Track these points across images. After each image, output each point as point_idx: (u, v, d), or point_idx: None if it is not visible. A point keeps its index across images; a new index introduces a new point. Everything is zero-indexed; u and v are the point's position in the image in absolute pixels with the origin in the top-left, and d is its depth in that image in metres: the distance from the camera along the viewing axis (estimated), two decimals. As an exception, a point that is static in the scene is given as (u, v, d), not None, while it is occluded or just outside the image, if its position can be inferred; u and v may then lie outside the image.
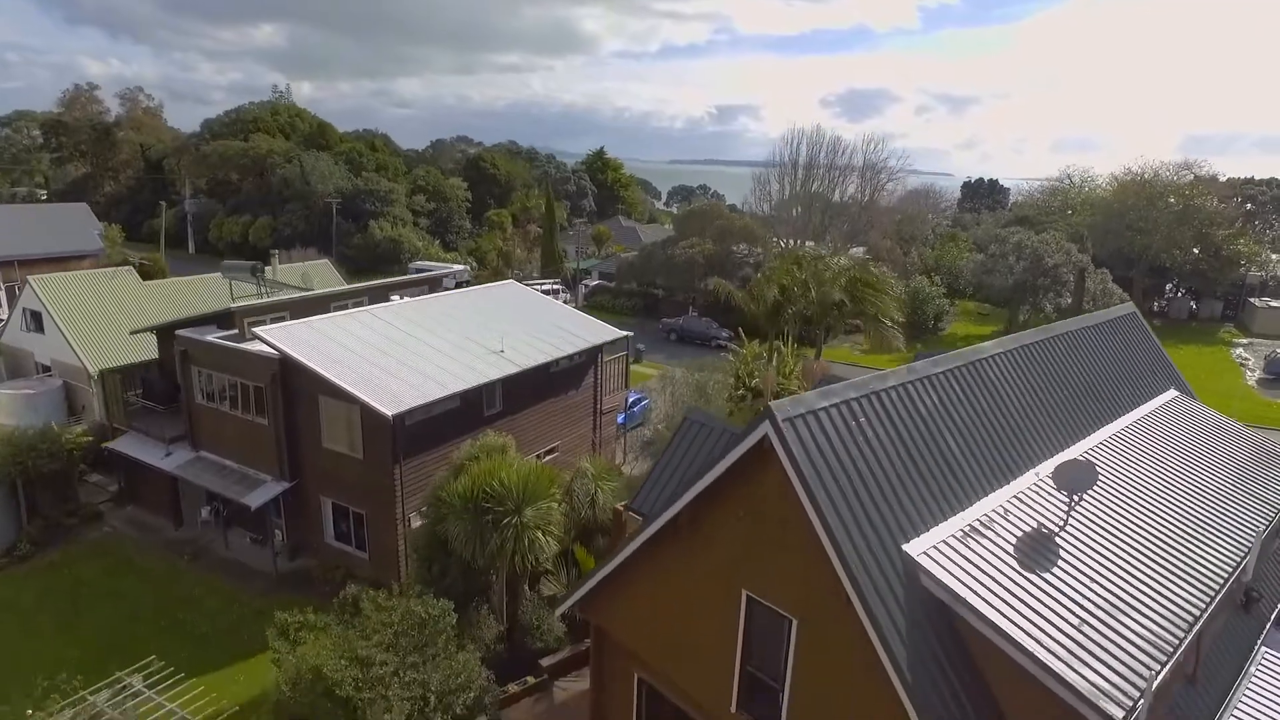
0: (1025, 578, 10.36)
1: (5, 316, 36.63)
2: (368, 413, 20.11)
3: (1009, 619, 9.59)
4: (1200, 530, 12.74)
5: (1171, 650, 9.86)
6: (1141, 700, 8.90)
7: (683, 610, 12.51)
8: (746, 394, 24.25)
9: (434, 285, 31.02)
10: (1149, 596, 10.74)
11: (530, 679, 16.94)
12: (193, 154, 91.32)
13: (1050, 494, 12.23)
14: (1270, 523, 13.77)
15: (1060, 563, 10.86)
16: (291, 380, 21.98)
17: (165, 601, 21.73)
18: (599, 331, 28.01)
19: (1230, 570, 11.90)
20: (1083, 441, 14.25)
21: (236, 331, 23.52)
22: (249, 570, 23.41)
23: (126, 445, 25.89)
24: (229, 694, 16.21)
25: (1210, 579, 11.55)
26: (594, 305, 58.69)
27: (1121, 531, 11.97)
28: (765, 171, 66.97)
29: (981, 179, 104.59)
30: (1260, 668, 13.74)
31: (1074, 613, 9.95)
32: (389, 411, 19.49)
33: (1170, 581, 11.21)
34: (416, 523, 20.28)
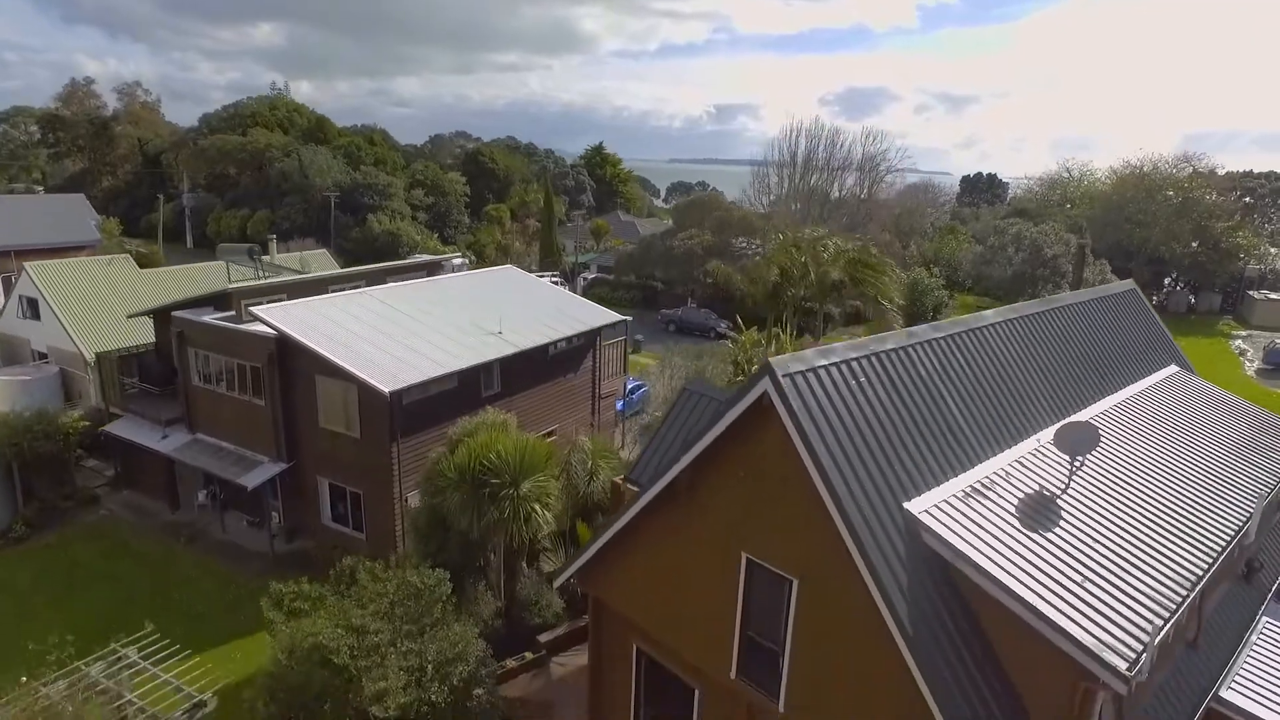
0: (1028, 536, 10.28)
1: (1, 304, 36.47)
2: (365, 391, 20.01)
3: (1011, 575, 9.50)
4: (1203, 496, 12.67)
5: (1175, 607, 9.78)
6: (1145, 655, 8.82)
7: (682, 577, 12.41)
8: (745, 380, 24.10)
9: (432, 271, 30.91)
10: (1152, 556, 10.67)
11: (528, 654, 16.84)
12: (191, 148, 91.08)
13: (1052, 458, 12.15)
14: (1272, 490, 13.70)
15: (1062, 523, 10.78)
16: (288, 360, 21.88)
17: (161, 583, 21.63)
18: (597, 315, 27.93)
19: (1233, 533, 11.83)
20: (1084, 411, 14.17)
21: (233, 313, 23.41)
22: (246, 552, 23.31)
23: (123, 428, 25.77)
24: (225, 670, 16.11)
25: (1213, 541, 11.48)
26: (592, 298, 58.18)
27: (1124, 496, 11.89)
28: (764, 167, 66.98)
29: (980, 173, 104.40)
30: (1262, 636, 13.68)
31: (1077, 570, 9.87)
32: (386, 389, 19.39)
33: (1173, 543, 11.13)
34: (414, 503, 20.18)
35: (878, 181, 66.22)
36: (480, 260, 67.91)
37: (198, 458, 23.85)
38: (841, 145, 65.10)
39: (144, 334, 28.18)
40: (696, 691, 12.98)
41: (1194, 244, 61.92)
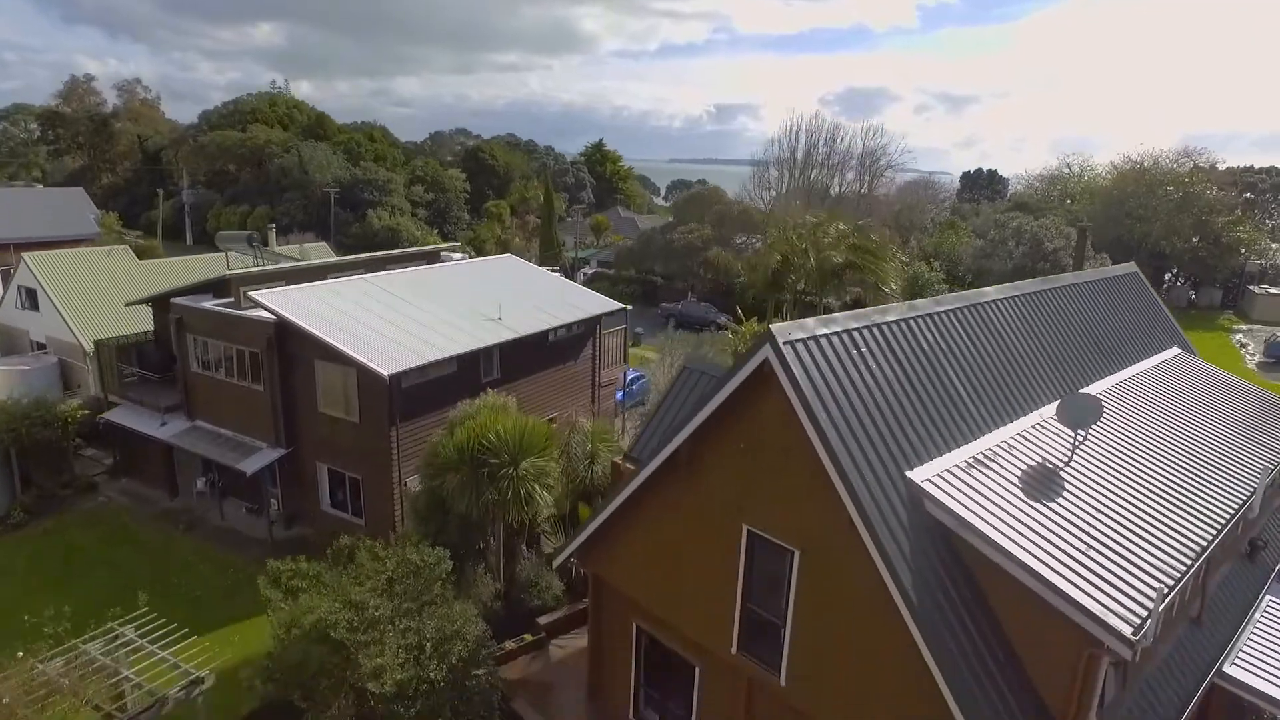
0: (1031, 506, 10.21)
1: (0, 296, 36.36)
2: (364, 374, 19.92)
3: (1015, 542, 9.43)
4: (1207, 471, 12.59)
5: (1180, 575, 9.70)
6: (1150, 620, 8.74)
7: (682, 552, 12.35)
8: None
9: (431, 261, 30.78)
10: (1156, 527, 10.59)
11: (527, 636, 16.75)
12: (190, 145, 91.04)
13: (1055, 433, 12.08)
14: (1278, 466, 13.61)
15: (1066, 494, 10.71)
16: (287, 345, 21.79)
17: (160, 569, 21.52)
18: (597, 303, 27.85)
19: (1238, 506, 11.75)
20: (1088, 388, 14.07)
21: (232, 299, 23.31)
22: (245, 539, 23.22)
23: (122, 416, 25.68)
24: (224, 653, 16.00)
25: (1218, 513, 11.40)
26: (592, 292, 58.38)
27: (1128, 470, 11.82)
28: (764, 163, 66.86)
29: (980, 169, 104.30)
30: (1265, 614, 13.61)
31: (1081, 539, 9.79)
32: (385, 371, 19.30)
33: (1178, 515, 11.05)
34: (413, 489, 20.08)
35: (878, 176, 66.09)
36: (480, 256, 67.80)
37: (196, 444, 23.76)
38: (842, 140, 65.12)
39: (143, 325, 28.08)
40: (697, 669, 12.91)
41: (1194, 239, 61.77)
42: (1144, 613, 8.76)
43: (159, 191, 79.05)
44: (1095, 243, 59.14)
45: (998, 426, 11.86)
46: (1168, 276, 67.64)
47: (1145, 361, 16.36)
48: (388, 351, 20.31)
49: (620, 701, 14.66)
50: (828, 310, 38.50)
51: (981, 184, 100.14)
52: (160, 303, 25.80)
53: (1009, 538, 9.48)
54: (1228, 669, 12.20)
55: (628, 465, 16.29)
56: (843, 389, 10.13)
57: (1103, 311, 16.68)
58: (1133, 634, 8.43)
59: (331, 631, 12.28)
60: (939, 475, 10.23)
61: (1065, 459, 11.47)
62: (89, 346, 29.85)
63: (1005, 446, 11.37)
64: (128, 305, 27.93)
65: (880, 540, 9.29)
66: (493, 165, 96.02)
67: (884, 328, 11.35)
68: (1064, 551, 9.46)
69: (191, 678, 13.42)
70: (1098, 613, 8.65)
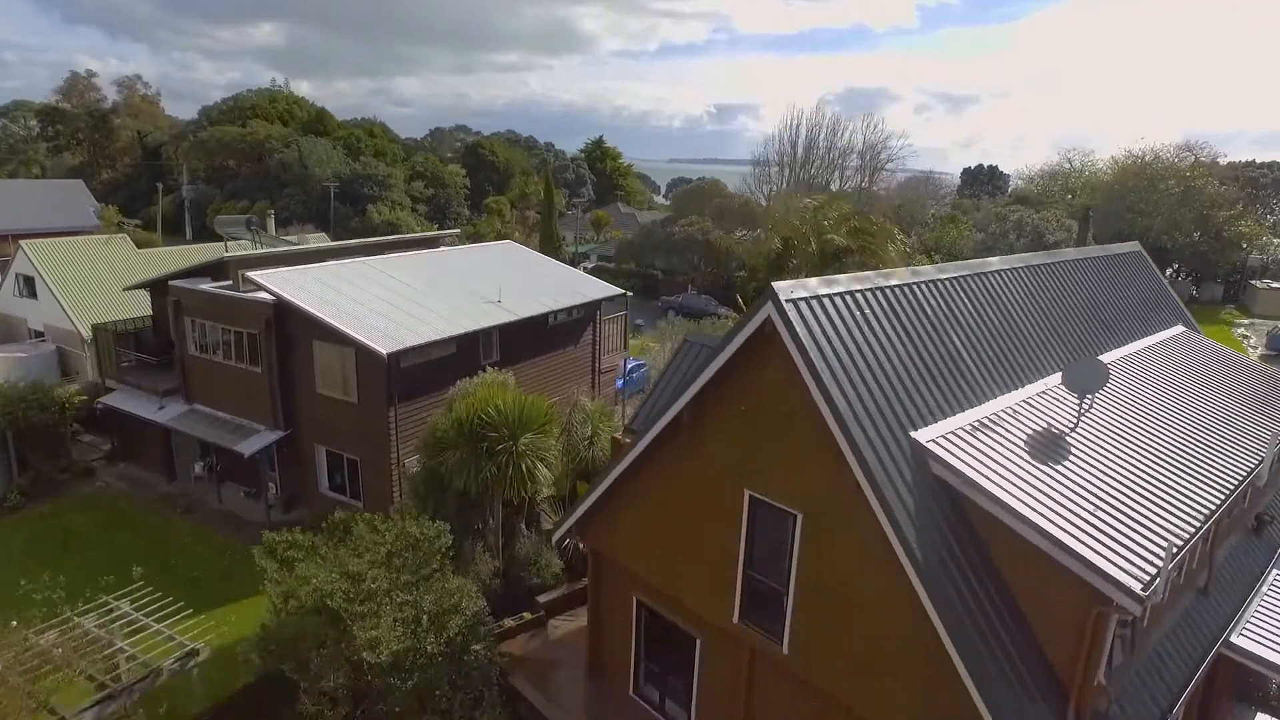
0: (1038, 468, 10.07)
1: (-1, 286, 36.22)
2: (363, 353, 19.79)
3: (1023, 502, 9.29)
4: (1214, 440, 12.45)
5: (1188, 536, 9.56)
6: (1159, 578, 8.59)
7: (683, 521, 12.19)
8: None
9: (431, 246, 30.67)
10: (1165, 491, 10.45)
11: (526, 615, 16.60)
12: (190, 140, 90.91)
13: (1061, 400, 11.94)
14: (1284, 437, 13.46)
15: (1073, 458, 10.56)
16: (285, 326, 21.66)
17: (158, 551, 21.32)
18: (597, 288, 27.75)
19: (1245, 473, 11.60)
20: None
21: (230, 282, 23.19)
22: (242, 522, 23.07)
23: (120, 400, 25.56)
24: (220, 630, 15.87)
25: (1225, 480, 11.25)
26: (593, 286, 58.19)
27: (1136, 438, 11.67)
28: (765, 161, 66.68)
29: (981, 165, 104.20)
30: (1273, 587, 13.47)
31: (1088, 500, 9.65)
32: (384, 350, 19.17)
33: (1185, 481, 10.91)
34: (412, 471, 19.92)
35: (878, 170, 65.96)
36: (480, 247, 67.67)
37: (194, 427, 23.63)
38: (843, 134, 65.01)
39: (141, 312, 27.94)
40: (698, 641, 12.76)
41: (1196, 234, 61.64)
42: (1153, 570, 8.62)
43: (159, 186, 78.90)
44: (1096, 236, 59.03)
45: (1003, 393, 11.71)
46: (1169, 271, 67.47)
47: (1151, 337, 16.21)
48: (386, 331, 20.19)
49: (620, 677, 14.51)
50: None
51: (982, 179, 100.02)
52: (158, 287, 25.69)
53: (1017, 497, 9.33)
54: (1235, 639, 12.05)
55: (627, 440, 16.12)
56: (846, 349, 9.98)
57: (1107, 287, 16.54)
58: (1142, 590, 8.29)
59: (329, 600, 12.12)
60: (944, 436, 10.09)
61: (1071, 425, 11.33)
62: (87, 334, 29.73)
63: (1010, 411, 11.22)
64: (126, 290, 27.81)
65: (885, 500, 9.12)
66: (493, 161, 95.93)
67: (887, 291, 11.20)
68: (1072, 511, 9.32)
69: (187, 649, 13.27)
70: (1107, 569, 8.50)
